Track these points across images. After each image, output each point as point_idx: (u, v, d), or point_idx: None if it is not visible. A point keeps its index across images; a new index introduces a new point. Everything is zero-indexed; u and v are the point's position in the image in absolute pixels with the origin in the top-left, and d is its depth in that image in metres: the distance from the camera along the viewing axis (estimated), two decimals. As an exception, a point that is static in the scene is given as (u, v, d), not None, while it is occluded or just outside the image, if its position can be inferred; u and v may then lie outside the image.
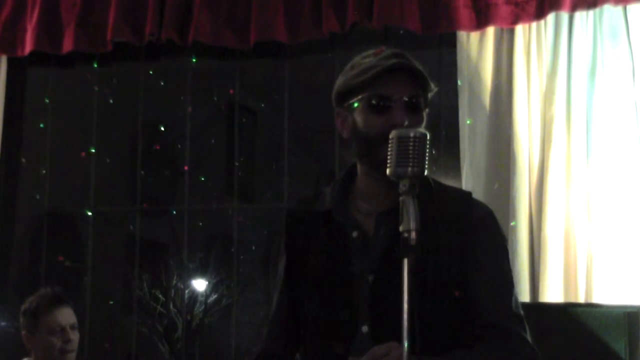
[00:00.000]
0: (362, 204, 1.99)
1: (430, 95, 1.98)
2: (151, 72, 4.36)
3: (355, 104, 1.95)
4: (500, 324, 1.89)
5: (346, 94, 1.97)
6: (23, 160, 4.43)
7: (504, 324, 1.90)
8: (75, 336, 3.39)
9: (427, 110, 1.98)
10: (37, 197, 4.43)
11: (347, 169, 2.06)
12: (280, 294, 2.08)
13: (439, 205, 1.93)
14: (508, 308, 1.92)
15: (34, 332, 3.37)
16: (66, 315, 3.38)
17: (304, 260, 1.99)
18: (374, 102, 1.91)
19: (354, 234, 1.96)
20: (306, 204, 2.07)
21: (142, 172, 4.35)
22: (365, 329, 1.89)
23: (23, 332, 3.41)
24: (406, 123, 1.85)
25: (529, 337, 1.93)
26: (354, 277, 1.92)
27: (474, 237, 1.92)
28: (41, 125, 4.46)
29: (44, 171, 4.43)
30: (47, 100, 4.48)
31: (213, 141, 4.51)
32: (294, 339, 2.05)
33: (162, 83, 4.47)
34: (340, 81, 2.00)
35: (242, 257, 4.34)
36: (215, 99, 4.56)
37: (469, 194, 2.05)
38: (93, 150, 4.32)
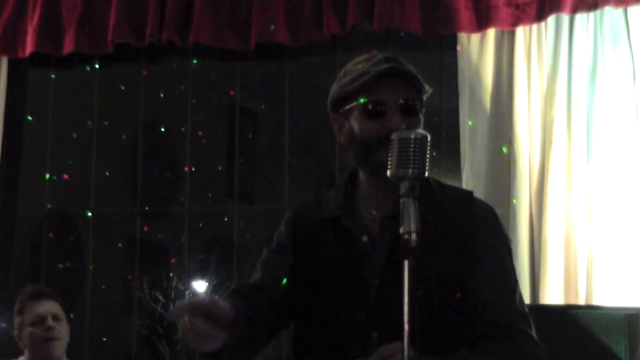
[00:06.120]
0: (367, 210, 1.99)
1: (425, 96, 1.98)
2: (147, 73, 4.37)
3: (351, 110, 1.95)
4: (503, 322, 1.89)
5: (341, 101, 1.98)
6: (23, 161, 4.44)
7: (508, 322, 1.90)
8: (59, 325, 3.38)
9: (423, 110, 1.99)
10: (38, 198, 4.43)
11: (349, 173, 2.05)
12: (278, 260, 2.03)
13: (440, 205, 1.94)
14: (511, 306, 1.92)
15: (21, 329, 3.39)
16: (47, 306, 3.40)
17: (313, 267, 1.97)
18: (369, 107, 1.92)
19: (364, 238, 1.96)
20: (311, 210, 2.06)
21: (142, 173, 4.35)
22: (375, 334, 1.88)
23: (15, 333, 3.43)
24: (403, 127, 1.86)
25: (534, 335, 1.92)
26: (363, 283, 1.92)
27: (475, 237, 1.92)
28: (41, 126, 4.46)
29: (44, 172, 4.42)
30: (47, 101, 4.48)
31: (213, 142, 4.51)
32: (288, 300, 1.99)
33: (162, 84, 4.46)
34: (334, 88, 2.01)
35: (242, 258, 4.34)
36: (215, 100, 4.56)
37: (470, 193, 2.05)
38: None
